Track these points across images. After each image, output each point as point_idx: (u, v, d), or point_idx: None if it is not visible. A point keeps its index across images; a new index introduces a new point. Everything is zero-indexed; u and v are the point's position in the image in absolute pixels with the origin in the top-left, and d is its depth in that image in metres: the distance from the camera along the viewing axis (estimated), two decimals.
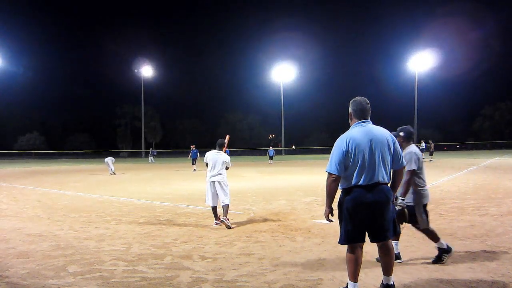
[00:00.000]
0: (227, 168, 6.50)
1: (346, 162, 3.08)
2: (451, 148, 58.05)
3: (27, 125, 73.38)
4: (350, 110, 3.27)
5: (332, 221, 3.26)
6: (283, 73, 59.02)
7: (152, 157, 38.40)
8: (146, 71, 60.11)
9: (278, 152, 62.56)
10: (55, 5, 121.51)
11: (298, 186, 12.35)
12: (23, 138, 71.78)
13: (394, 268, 3.28)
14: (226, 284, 3.57)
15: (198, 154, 23.56)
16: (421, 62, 53.28)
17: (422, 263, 4.05)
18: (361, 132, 3.12)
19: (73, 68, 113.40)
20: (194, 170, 21.87)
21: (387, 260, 3.18)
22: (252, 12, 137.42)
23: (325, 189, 3.16)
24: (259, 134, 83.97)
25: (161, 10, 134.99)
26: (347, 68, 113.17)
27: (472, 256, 4.26)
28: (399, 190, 3.86)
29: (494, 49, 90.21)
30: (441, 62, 58.23)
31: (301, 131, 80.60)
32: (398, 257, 4.14)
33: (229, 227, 6.07)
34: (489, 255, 4.32)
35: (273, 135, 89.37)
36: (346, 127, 3.33)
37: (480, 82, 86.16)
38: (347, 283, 3.22)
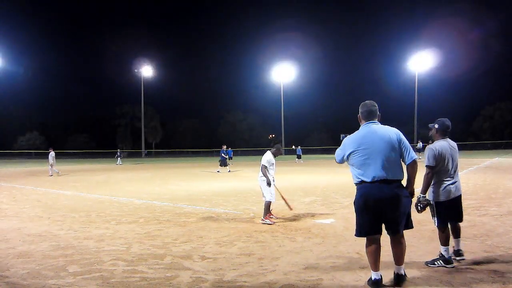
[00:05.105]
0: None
1: (349, 159, 3.35)
2: None
3: (27, 125, 73.28)
4: (359, 113, 3.50)
5: None
6: (283, 73, 58.97)
7: (119, 158, 36.52)
8: (146, 71, 60.14)
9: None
10: (55, 5, 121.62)
11: (298, 186, 12.27)
12: (23, 138, 71.67)
13: None
14: (226, 284, 3.57)
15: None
16: (421, 62, 53.30)
17: (422, 263, 4.05)
18: (365, 132, 3.37)
19: (73, 68, 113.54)
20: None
21: (398, 251, 3.37)
22: (252, 12, 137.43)
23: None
24: (259, 134, 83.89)
25: (161, 10, 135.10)
26: (347, 68, 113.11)
27: (472, 256, 4.25)
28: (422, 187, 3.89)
29: (494, 49, 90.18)
30: (441, 62, 58.09)
31: (301, 131, 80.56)
32: (459, 254, 4.09)
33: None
34: (489, 255, 4.31)
35: (273, 135, 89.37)
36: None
37: (480, 82, 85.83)
38: (370, 276, 3.36)
